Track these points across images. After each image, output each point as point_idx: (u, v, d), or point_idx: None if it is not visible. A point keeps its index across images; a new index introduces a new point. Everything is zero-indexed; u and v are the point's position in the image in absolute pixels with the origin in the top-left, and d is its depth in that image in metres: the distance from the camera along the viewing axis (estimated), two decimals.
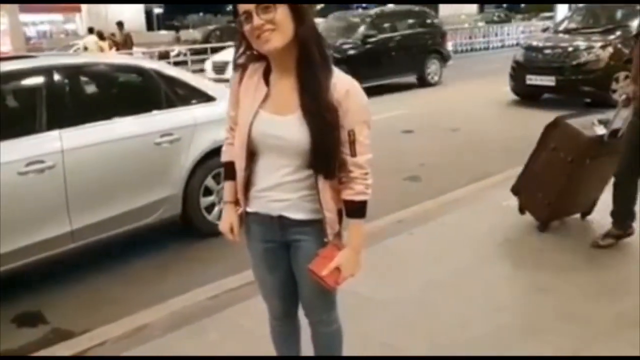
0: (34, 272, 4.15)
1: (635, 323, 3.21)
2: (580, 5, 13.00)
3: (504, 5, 51.87)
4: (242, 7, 1.84)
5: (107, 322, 3.54)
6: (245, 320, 3.42)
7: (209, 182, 4.87)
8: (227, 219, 2.25)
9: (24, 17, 26.87)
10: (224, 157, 2.24)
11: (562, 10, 19.73)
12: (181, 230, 5.01)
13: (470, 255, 4.24)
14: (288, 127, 1.92)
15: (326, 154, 1.91)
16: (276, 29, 1.83)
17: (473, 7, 40.48)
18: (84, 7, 27.18)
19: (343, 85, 1.91)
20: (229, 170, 2.17)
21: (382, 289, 3.78)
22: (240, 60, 2.01)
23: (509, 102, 11.53)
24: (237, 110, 2.06)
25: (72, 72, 4.44)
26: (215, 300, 3.72)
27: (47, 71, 4.21)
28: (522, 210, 4.73)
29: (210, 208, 4.94)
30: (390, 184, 6.08)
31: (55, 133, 4.03)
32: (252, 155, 2.02)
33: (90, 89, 4.83)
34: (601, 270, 3.95)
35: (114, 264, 4.55)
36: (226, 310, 3.60)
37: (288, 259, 2.16)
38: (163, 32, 31.66)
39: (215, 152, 4.72)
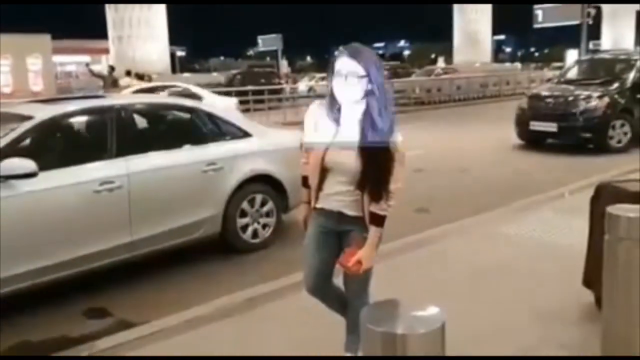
0: (101, 275, 4.94)
1: None
2: (582, 58, 13.88)
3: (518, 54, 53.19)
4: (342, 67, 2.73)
5: (163, 316, 4.26)
6: (275, 315, 4.19)
7: (245, 205, 5.69)
8: (303, 213, 3.16)
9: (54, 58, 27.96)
10: (302, 172, 3.07)
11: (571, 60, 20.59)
12: (217, 247, 5.80)
13: (461, 275, 4.92)
14: (349, 156, 2.79)
15: (373, 179, 2.78)
16: None
17: (487, 56, 40.83)
18: (112, 48, 28.25)
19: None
20: (305, 181, 3.04)
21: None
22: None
23: (514, 146, 12.34)
24: (310, 139, 2.93)
25: (136, 110, 5.41)
26: (251, 302, 4.46)
27: (116, 109, 5.15)
28: (599, 303, 3.48)
29: (244, 228, 5.73)
30: (401, 215, 6.79)
31: (122, 159, 4.90)
32: (322, 171, 2.90)
33: (150, 124, 5.75)
34: None
35: (163, 272, 5.34)
36: (260, 308, 4.36)
37: (333, 245, 3.00)
38: (187, 74, 32.97)
39: (251, 180, 5.62)
